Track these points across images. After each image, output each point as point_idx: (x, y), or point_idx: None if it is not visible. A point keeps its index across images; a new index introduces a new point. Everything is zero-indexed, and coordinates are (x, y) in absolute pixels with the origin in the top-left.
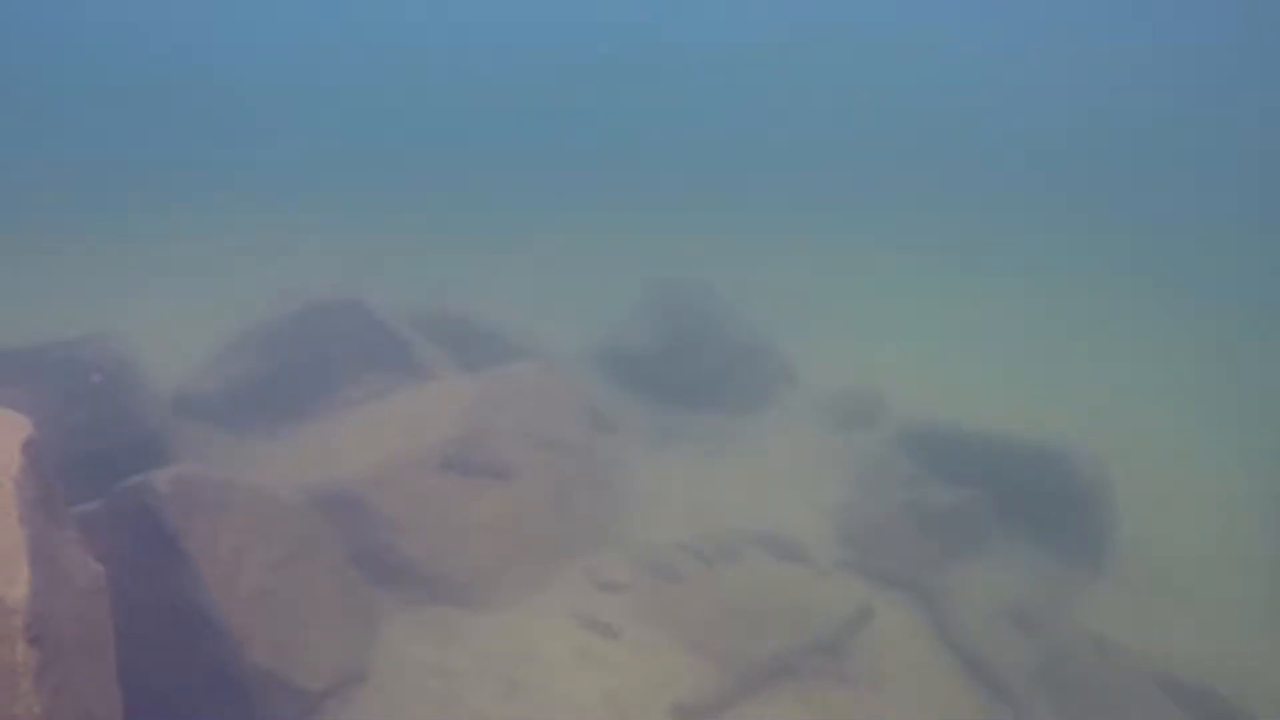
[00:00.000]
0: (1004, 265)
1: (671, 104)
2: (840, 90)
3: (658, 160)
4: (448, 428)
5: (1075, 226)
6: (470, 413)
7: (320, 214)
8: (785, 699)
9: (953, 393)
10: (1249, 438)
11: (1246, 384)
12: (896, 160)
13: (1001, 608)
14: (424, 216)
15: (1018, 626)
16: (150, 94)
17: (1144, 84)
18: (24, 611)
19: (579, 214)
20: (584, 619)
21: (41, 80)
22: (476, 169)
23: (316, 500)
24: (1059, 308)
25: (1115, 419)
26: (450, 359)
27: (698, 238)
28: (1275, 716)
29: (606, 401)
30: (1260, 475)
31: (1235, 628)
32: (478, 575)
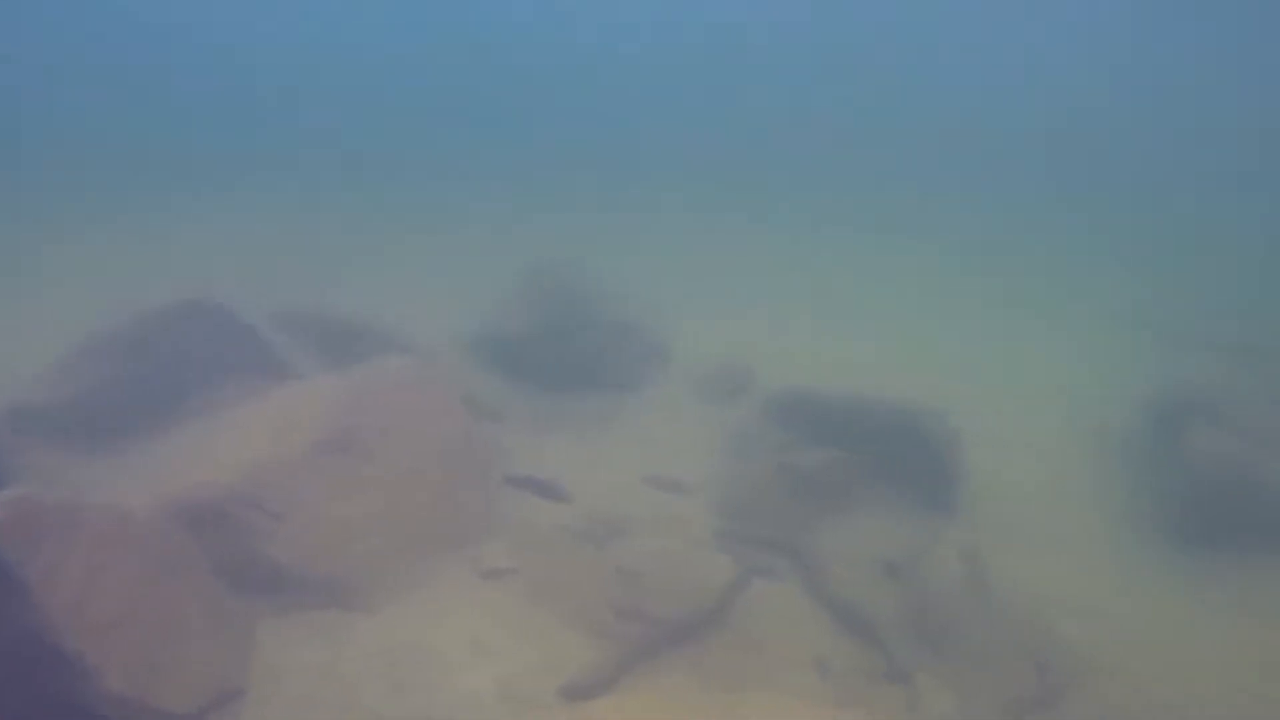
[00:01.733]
0: (873, 240)
1: (542, 82)
2: (718, 65)
3: (530, 142)
4: (315, 429)
5: (941, 201)
6: (339, 412)
7: (175, 209)
8: (673, 668)
9: (819, 362)
10: (1080, 388)
11: (1081, 342)
12: (774, 137)
13: (870, 560)
14: (291, 210)
15: (886, 576)
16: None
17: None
18: None
19: (450, 200)
20: (473, 608)
21: None
22: (337, 159)
23: (177, 513)
24: (916, 279)
25: (966, 378)
26: (317, 357)
27: (573, 219)
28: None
29: (484, 389)
30: (1088, 419)
31: (1073, 562)
32: (359, 575)
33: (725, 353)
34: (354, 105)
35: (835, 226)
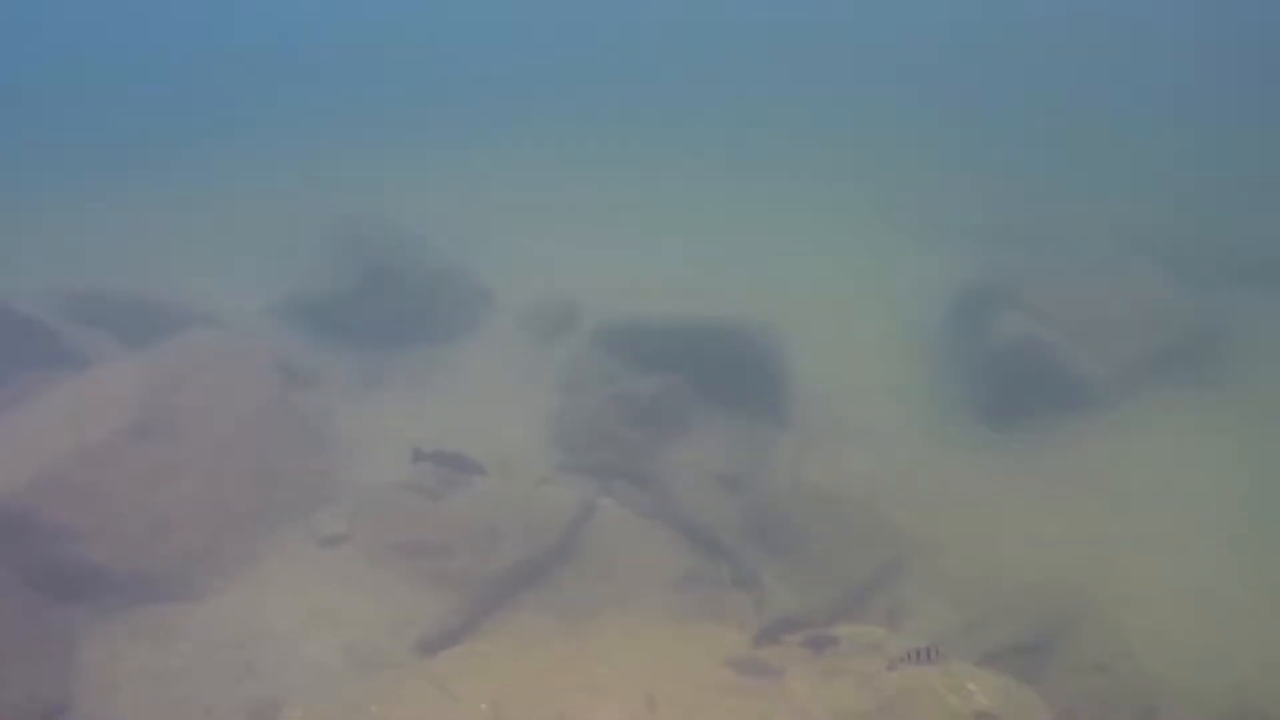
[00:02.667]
0: (690, 164)
1: (317, 38)
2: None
3: (323, 91)
4: (117, 416)
5: (760, 123)
6: (142, 395)
7: None
8: (526, 606)
9: (643, 289)
10: (898, 288)
11: (897, 246)
12: (576, 66)
13: (710, 475)
14: (75, 194)
15: (726, 489)
16: None
17: None
18: None
19: (240, 170)
20: (312, 578)
21: None
22: (114, 143)
23: None
24: (735, 200)
25: (789, 290)
26: (112, 340)
27: (373, 173)
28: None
29: (302, 353)
30: (906, 316)
31: (898, 451)
32: (185, 563)
33: (548, 289)
34: (126, 86)
35: (650, 154)
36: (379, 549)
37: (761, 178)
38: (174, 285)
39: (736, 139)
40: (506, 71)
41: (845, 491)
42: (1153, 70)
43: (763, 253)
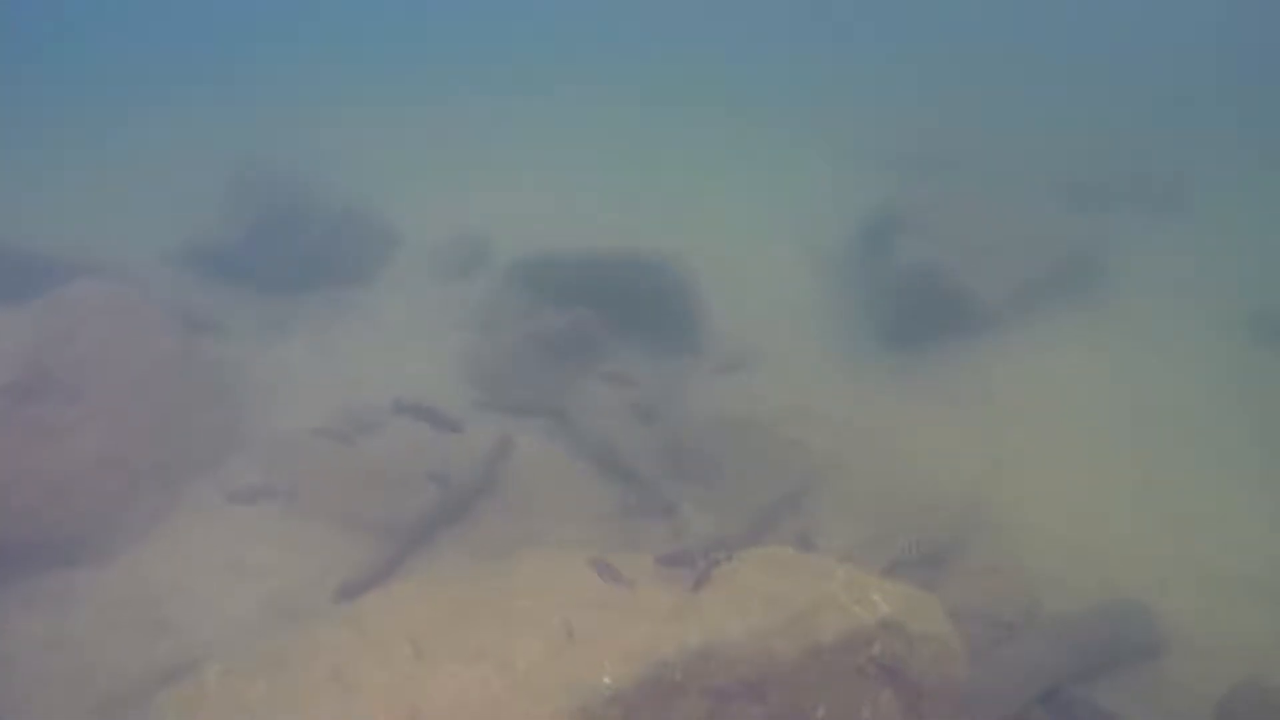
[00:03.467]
0: (599, 99)
1: None
2: None
3: (214, 33)
4: (2, 372)
5: (671, 59)
6: (26, 351)
7: None
8: (445, 547)
9: (553, 225)
10: (805, 218)
11: (802, 177)
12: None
13: (625, 407)
14: None
15: (640, 419)
16: None
17: None
18: None
19: (136, 106)
20: (225, 532)
21: None
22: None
23: None
24: (645, 135)
25: (691, 222)
26: None
27: (269, 114)
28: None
29: (203, 301)
30: (812, 244)
31: (808, 377)
32: (85, 526)
33: (456, 227)
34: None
35: (558, 92)
36: (295, 499)
37: (675, 112)
38: (61, 237)
39: (648, 73)
40: (419, 16)
41: (756, 417)
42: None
43: (676, 185)
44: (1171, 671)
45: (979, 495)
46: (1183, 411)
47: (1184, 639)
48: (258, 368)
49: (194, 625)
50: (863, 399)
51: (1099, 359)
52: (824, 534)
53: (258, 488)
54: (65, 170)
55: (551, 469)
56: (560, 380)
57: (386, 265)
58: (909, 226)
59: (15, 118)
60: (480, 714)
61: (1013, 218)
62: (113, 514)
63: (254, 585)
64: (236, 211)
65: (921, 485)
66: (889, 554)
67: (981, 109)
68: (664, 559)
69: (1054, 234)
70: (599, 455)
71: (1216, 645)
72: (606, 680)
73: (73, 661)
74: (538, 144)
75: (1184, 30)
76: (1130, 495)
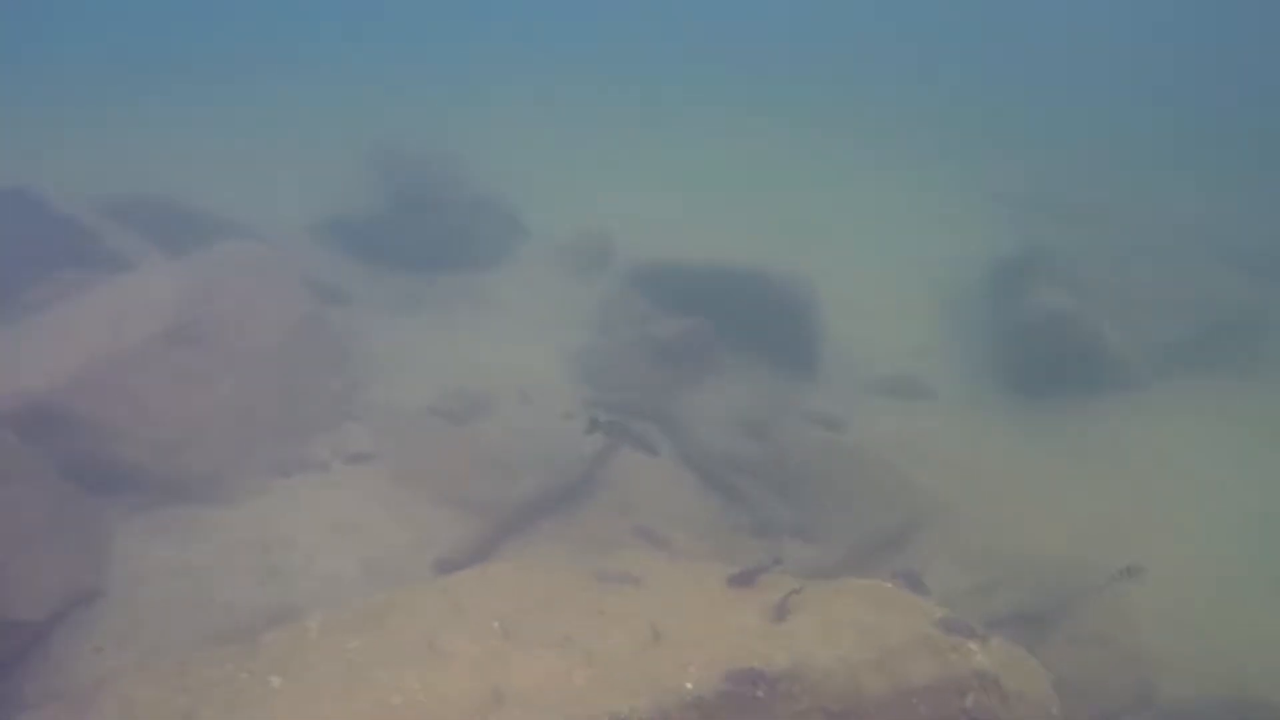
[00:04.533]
0: (740, 114)
1: None
2: None
3: (363, 23)
4: (155, 320)
5: (810, 80)
6: (179, 301)
7: None
8: (544, 537)
9: (679, 232)
10: (935, 253)
11: (937, 216)
12: (639, 13)
13: (733, 421)
14: (103, 93)
15: (748, 435)
16: None
17: None
18: None
19: (292, 81)
20: (334, 493)
21: None
22: (164, 39)
23: (9, 417)
24: (779, 153)
25: (824, 246)
26: (154, 248)
27: (418, 98)
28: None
29: (337, 271)
30: (941, 281)
31: (923, 411)
32: (215, 467)
33: (584, 225)
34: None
35: (700, 100)
36: (403, 470)
37: (815, 134)
38: (216, 196)
39: (799, 98)
40: (566, 10)
41: (866, 447)
42: (1224, 63)
43: (807, 206)
44: None
45: (1094, 559)
46: None
47: None
48: (381, 341)
49: (299, 575)
50: (978, 442)
51: (1243, 434)
52: (924, 575)
53: (370, 455)
54: (219, 137)
55: (655, 473)
56: (672, 386)
57: (513, 255)
58: (1047, 272)
59: (174, 85)
60: (560, 700)
61: (1163, 274)
62: (238, 460)
63: (357, 545)
64: (376, 188)
65: (1032, 539)
66: (991, 606)
67: (1133, 156)
68: (736, 579)
69: (1207, 297)
70: (702, 465)
71: None
72: (689, 685)
73: (192, 590)
74: (670, 150)
75: None
76: (1266, 585)
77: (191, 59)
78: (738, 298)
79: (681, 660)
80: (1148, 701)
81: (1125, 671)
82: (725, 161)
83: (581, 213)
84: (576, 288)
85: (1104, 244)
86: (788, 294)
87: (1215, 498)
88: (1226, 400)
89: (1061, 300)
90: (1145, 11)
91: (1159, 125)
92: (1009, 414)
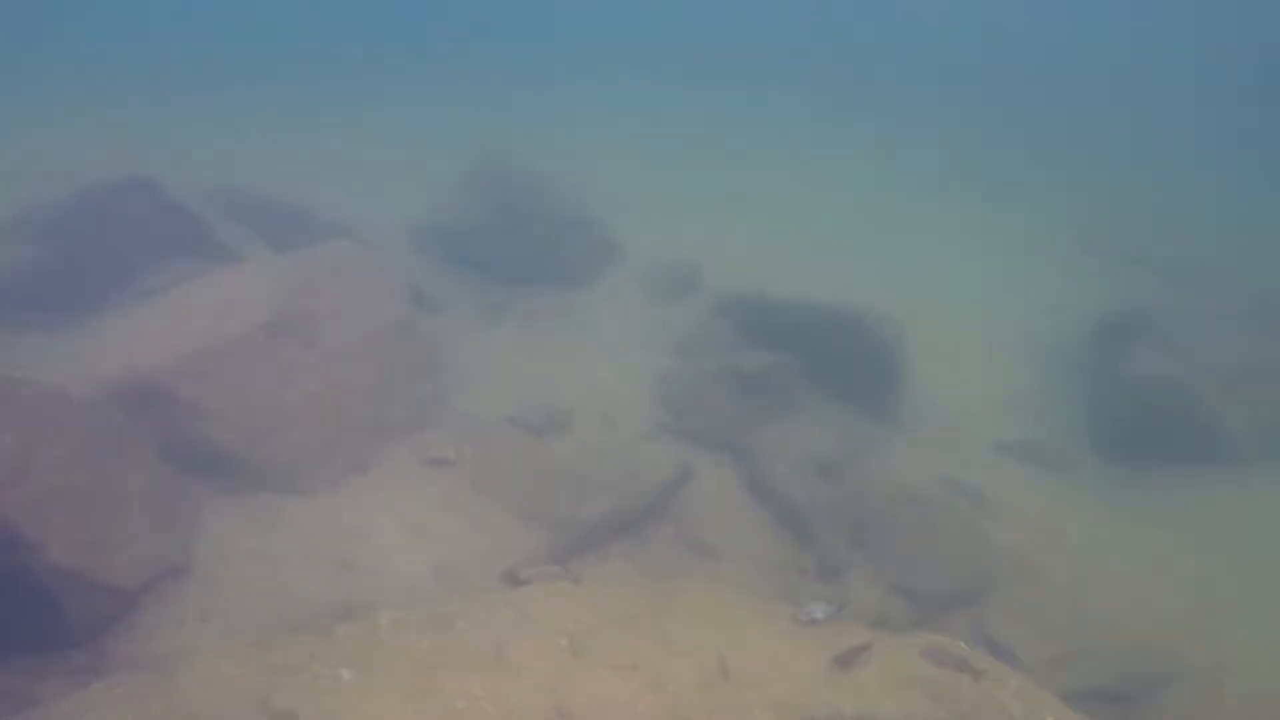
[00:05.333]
0: (833, 151)
1: None
2: None
3: (474, 30)
4: (258, 311)
5: (902, 120)
6: (281, 296)
7: (94, 83)
8: (613, 557)
9: (768, 264)
10: (1028, 305)
11: (1026, 263)
12: (727, 37)
13: (809, 461)
14: (219, 92)
15: (824, 477)
16: None
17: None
18: None
19: (393, 88)
20: (414, 495)
21: None
22: (275, 42)
23: (118, 394)
24: (871, 192)
25: (911, 288)
26: (260, 241)
27: (518, 110)
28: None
29: (429, 279)
30: (1034, 335)
31: (1008, 468)
32: (300, 460)
33: (675, 250)
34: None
35: (795, 133)
36: (481, 478)
37: (904, 176)
38: (319, 196)
39: (890, 138)
40: (665, 35)
41: (947, 500)
42: None
43: (900, 248)
44: None
45: (1183, 640)
46: None
47: None
48: (467, 348)
49: (372, 572)
50: (1065, 505)
51: None
52: (997, 638)
53: (450, 460)
54: (328, 139)
55: (727, 505)
56: (751, 419)
57: (602, 275)
58: (1153, 334)
59: (285, 87)
60: None
61: (1271, 341)
62: (324, 454)
63: (431, 549)
64: (471, 199)
65: (1118, 614)
66: (1068, 679)
67: (1240, 216)
68: (840, 659)
69: None
70: (776, 502)
71: None
72: None
73: (271, 576)
74: (764, 180)
75: None
76: None
77: (304, 62)
78: (822, 334)
79: (747, 700)
80: None
81: None
82: (820, 196)
83: (671, 236)
84: (662, 311)
85: (1204, 304)
86: (874, 334)
87: None
88: None
89: (1165, 366)
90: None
91: (1237, 169)
92: (1102, 478)
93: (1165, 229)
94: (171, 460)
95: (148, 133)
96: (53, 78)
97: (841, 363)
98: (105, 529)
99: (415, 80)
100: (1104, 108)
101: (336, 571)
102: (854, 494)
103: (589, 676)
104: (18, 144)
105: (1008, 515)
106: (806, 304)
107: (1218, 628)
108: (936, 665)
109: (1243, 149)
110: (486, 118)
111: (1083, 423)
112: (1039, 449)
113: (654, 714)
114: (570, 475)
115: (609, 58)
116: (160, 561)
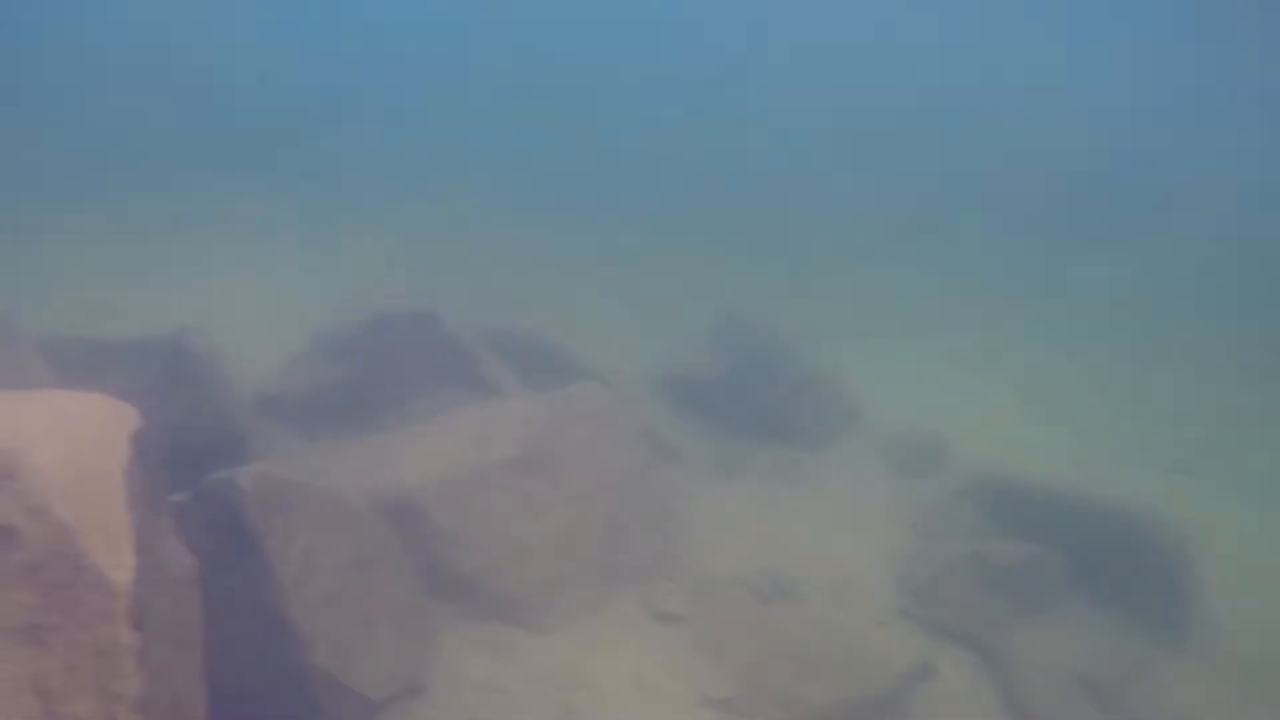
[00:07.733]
0: (1091, 319)
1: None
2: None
3: (728, 188)
4: (510, 445)
5: (1156, 284)
6: (533, 432)
7: (377, 212)
8: None
9: (1019, 441)
10: None
11: None
12: (974, 196)
13: (1071, 675)
14: (489, 226)
15: (1087, 696)
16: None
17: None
18: (128, 595)
19: (649, 237)
20: (639, 646)
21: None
22: (549, 185)
23: (380, 508)
24: (1131, 366)
25: (1196, 485)
26: (516, 376)
27: (764, 269)
28: None
29: (668, 427)
30: None
31: None
32: (535, 594)
33: (919, 419)
34: (554, 131)
35: (1049, 299)
36: (706, 639)
37: (1168, 352)
38: (569, 335)
39: (1153, 312)
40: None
41: None
42: None
43: (1184, 440)
44: None
45: None
46: None
47: None
48: (701, 503)
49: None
50: None
51: None
52: None
53: (679, 616)
54: (583, 282)
55: (968, 711)
56: (999, 615)
57: (839, 439)
58: None
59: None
60: None
61: None
62: (558, 591)
63: (648, 705)
64: (714, 353)
65: None
66: None
67: None
68: None
69: None
70: (1025, 716)
71: None
72: None
73: (500, 708)
74: (1015, 349)
75: None
76: None
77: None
78: (1090, 532)
79: None
80: None
81: None
82: (1075, 366)
83: (914, 404)
84: (902, 485)
85: None
86: (1150, 536)
87: None
88: None
89: None
90: None
91: None
92: None
93: None
94: (417, 577)
95: (428, 258)
96: (341, 188)
97: (1112, 566)
98: (363, 638)
99: (675, 232)
100: None
101: (560, 715)
102: (1122, 718)
103: None
104: (310, 270)
105: None
106: (1070, 495)
107: None
108: None
109: None
110: (730, 270)
111: None
112: None
113: None
114: (796, 650)
115: (853, 210)
116: (403, 677)
